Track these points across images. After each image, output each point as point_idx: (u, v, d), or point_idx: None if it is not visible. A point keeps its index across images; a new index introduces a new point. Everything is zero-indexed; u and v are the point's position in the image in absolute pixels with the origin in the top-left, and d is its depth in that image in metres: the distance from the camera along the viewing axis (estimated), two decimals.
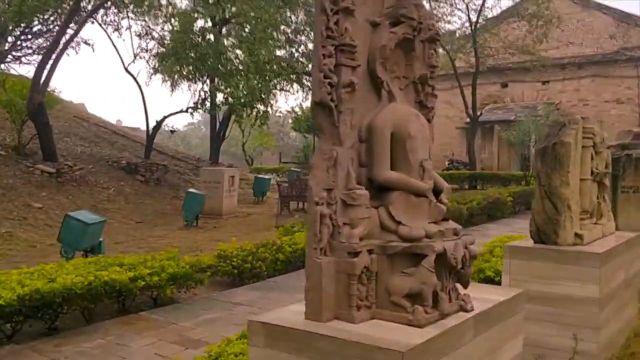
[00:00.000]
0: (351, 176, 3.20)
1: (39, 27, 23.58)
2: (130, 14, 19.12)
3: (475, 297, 3.54)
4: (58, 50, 16.38)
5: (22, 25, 22.41)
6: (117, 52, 45.81)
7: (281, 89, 25.53)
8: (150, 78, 19.17)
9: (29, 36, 24.31)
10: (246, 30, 18.31)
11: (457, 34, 26.65)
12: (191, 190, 15.50)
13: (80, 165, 18.04)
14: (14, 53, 24.60)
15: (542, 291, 5.68)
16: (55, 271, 7.11)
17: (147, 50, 18.94)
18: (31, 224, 12.90)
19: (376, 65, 3.39)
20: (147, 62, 18.89)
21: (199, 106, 18.66)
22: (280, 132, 43.84)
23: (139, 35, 18.91)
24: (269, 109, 21.24)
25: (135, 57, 19.49)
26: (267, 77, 20.04)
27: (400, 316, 3.10)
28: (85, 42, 22.62)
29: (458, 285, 3.50)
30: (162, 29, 18.61)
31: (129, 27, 19.30)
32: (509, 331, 3.80)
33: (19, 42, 24.22)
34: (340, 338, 2.82)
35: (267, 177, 20.67)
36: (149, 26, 19.02)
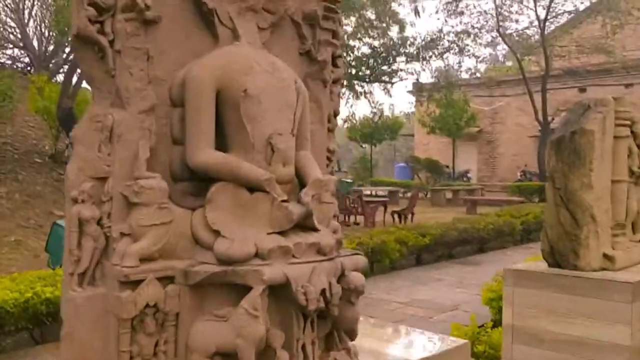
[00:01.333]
0: (141, 159, 1.99)
1: None
2: None
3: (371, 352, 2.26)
4: None
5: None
6: None
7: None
8: None
9: None
10: None
11: (526, 34, 24.65)
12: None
13: None
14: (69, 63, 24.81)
15: (555, 332, 4.21)
16: None
17: None
18: (45, 232, 12.37)
19: None
20: None
21: None
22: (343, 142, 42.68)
23: None
24: None
25: None
26: None
27: None
28: None
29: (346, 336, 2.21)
30: None
31: None
32: None
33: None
34: None
35: None
36: None
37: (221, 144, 2.12)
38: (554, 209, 4.34)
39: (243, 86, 2.08)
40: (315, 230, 2.12)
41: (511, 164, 31.85)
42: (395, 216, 15.99)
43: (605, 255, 4.28)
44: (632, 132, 4.61)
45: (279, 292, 1.94)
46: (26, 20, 23.06)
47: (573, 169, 4.24)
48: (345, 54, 22.88)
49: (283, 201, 2.04)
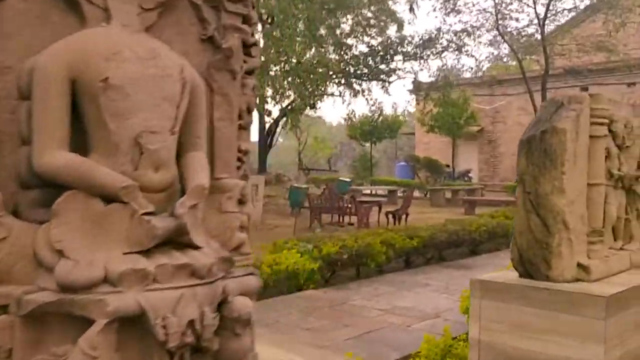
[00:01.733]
0: None
1: None
2: None
3: None
4: None
5: None
6: None
7: (331, 94, 24.04)
8: None
9: None
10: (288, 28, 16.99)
11: (527, 32, 24.17)
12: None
13: None
14: None
15: (524, 349, 3.85)
16: None
17: None
18: None
19: None
20: None
21: None
22: (339, 140, 42.21)
23: None
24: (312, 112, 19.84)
25: None
26: (314, 81, 18.59)
27: None
28: None
29: None
30: None
31: None
32: None
33: None
34: None
35: (303, 186, 19.22)
36: None
37: (82, 144, 1.78)
38: (524, 214, 3.98)
39: (103, 74, 1.73)
40: (195, 247, 1.78)
41: (512, 164, 31.40)
42: (390, 217, 15.63)
43: (579, 265, 3.92)
44: (610, 131, 4.25)
45: (139, 324, 1.60)
46: None
47: (544, 172, 3.88)
48: (342, 52, 22.56)
49: (146, 214, 1.70)
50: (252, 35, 2.35)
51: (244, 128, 2.36)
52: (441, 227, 11.34)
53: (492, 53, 27.04)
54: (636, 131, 4.47)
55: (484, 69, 30.18)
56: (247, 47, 2.33)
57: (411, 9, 20.28)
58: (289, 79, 16.72)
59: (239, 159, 2.32)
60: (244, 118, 2.34)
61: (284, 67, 16.94)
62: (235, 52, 2.21)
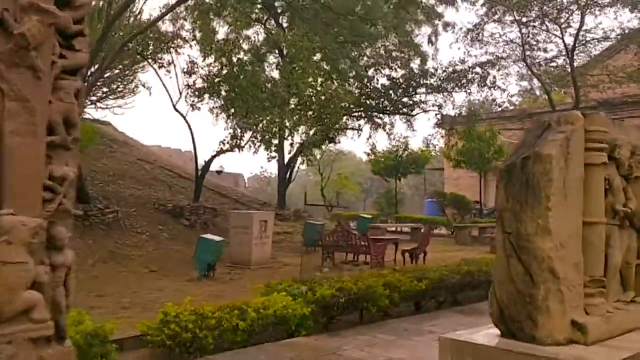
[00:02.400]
0: None
1: (111, 71, 23.50)
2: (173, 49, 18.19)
3: None
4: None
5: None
6: (167, 90, 42.02)
7: (351, 128, 23.46)
8: (188, 114, 18.10)
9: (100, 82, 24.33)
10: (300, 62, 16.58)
11: (556, 64, 23.35)
12: (203, 236, 13.70)
13: (117, 208, 16.91)
14: (89, 98, 24.70)
15: None
16: None
17: (189, 87, 17.82)
18: None
19: None
20: (186, 99, 17.79)
21: (233, 144, 17.04)
22: (368, 175, 41.54)
23: (185, 72, 17.88)
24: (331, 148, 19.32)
25: (180, 95, 18.44)
26: (330, 115, 18.07)
27: None
28: (143, 85, 22.07)
29: None
30: (208, 64, 17.44)
31: (171, 63, 18.29)
32: None
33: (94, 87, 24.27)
34: None
35: (318, 222, 18.52)
36: (193, 61, 17.89)
37: None
38: (505, 260, 3.26)
39: None
40: None
41: None
42: (407, 256, 14.80)
43: (574, 323, 3.16)
44: (613, 159, 3.52)
45: None
46: None
47: (525, 208, 3.16)
48: (362, 85, 22.06)
49: None
50: (80, 22, 1.76)
51: (63, 147, 1.75)
52: (454, 267, 10.50)
53: (523, 86, 26.29)
54: None
55: (517, 103, 29.41)
56: (68, 37, 1.73)
57: (430, 41, 19.71)
58: (302, 112, 16.23)
59: (50, 189, 1.70)
60: (60, 133, 1.73)
61: (295, 101, 16.48)
62: (34, 41, 1.61)
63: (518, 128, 31.48)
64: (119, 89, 25.56)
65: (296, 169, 25.42)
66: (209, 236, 13.54)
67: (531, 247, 3.10)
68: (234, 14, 23.02)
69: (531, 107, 30.39)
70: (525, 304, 3.13)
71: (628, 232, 3.68)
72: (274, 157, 17.06)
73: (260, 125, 15.32)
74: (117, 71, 24.34)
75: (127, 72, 24.48)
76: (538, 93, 30.04)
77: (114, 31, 16.62)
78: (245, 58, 18.29)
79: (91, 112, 26.42)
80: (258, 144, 16.61)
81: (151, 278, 13.24)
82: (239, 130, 16.39)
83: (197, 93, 17.05)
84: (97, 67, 18.00)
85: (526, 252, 3.12)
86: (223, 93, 16.80)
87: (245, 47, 22.21)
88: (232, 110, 16.71)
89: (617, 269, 3.47)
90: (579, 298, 3.22)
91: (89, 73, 19.60)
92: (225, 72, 16.29)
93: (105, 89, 25.21)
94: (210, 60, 16.63)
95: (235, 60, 16.44)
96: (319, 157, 27.08)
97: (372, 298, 8.66)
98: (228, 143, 16.96)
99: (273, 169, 49.85)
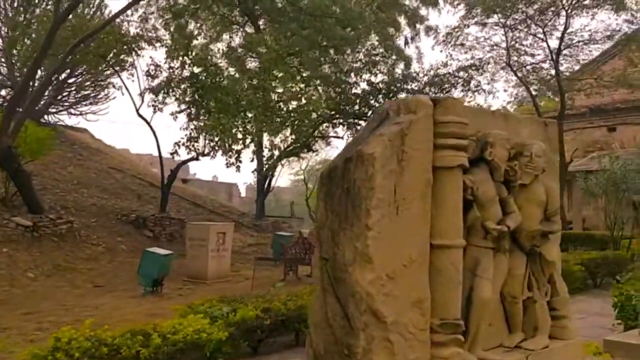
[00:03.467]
0: None
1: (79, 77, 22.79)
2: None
3: None
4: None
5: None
6: (129, 93, 38.61)
7: (331, 136, 22.64)
8: (152, 119, 17.30)
9: (73, 87, 23.60)
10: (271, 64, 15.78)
11: (542, 68, 22.45)
12: (148, 249, 12.87)
13: (72, 218, 16.11)
14: (61, 104, 23.97)
15: None
16: None
17: (151, 90, 16.97)
18: None
19: None
20: (148, 103, 16.92)
21: (182, 147, 16.18)
22: None
23: (148, 75, 17.06)
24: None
25: (142, 98, 17.60)
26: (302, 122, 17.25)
27: None
28: (114, 86, 21.31)
29: None
30: (171, 67, 16.60)
31: (132, 64, 17.54)
32: None
33: (64, 93, 23.54)
34: None
35: (288, 234, 17.62)
36: (156, 64, 17.08)
37: None
38: (322, 295, 2.43)
39: None
40: None
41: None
42: None
43: None
44: (486, 161, 2.69)
45: None
46: None
47: (344, 225, 2.33)
48: (340, 90, 21.20)
49: None
50: None
51: None
52: None
53: (511, 92, 25.43)
54: (539, 161, 2.88)
55: (510, 109, 28.54)
56: None
57: (406, 42, 18.92)
58: (267, 118, 15.40)
59: None
60: None
61: (260, 105, 15.62)
62: None
63: None
64: (92, 94, 24.85)
65: (279, 178, 24.57)
66: (154, 249, 12.71)
67: (348, 279, 2.27)
68: (212, 18, 22.35)
69: (522, 113, 29.54)
70: (343, 357, 2.29)
71: (513, 257, 2.85)
72: (234, 164, 16.16)
73: (219, 127, 14.46)
74: (89, 76, 23.63)
75: (99, 77, 23.77)
76: (528, 99, 29.19)
77: (76, 33, 15.91)
78: (220, 62, 17.51)
79: (63, 119, 25.76)
80: (217, 148, 15.74)
81: (93, 294, 12.40)
82: (195, 132, 15.56)
83: (156, 92, 16.20)
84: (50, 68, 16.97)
85: (343, 285, 2.29)
86: (182, 93, 16.02)
87: (221, 48, 21.43)
88: (191, 111, 15.93)
89: (487, 305, 2.63)
90: (422, 348, 2.37)
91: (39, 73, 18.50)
92: (186, 72, 15.59)
93: (76, 95, 24.50)
94: (177, 63, 15.86)
95: (208, 63, 15.64)
96: (303, 166, 26.29)
97: (305, 318, 7.80)
98: (184, 145, 16.15)
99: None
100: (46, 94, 21.99)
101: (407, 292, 2.33)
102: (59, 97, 23.43)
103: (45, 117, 23.30)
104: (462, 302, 2.61)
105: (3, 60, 22.00)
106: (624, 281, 7.25)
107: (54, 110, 23.93)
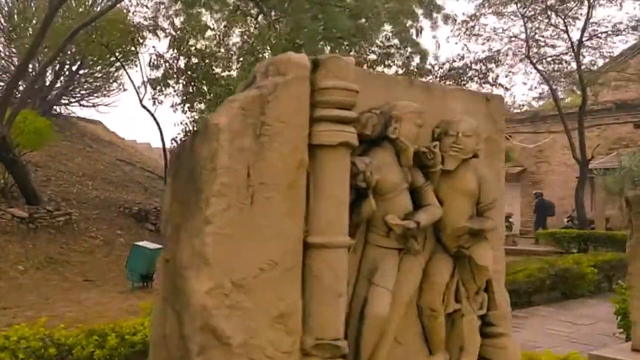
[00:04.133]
0: None
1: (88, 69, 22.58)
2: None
3: None
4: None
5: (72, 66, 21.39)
6: (133, 84, 39.03)
7: None
8: (156, 110, 16.91)
9: (82, 79, 23.42)
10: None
11: (564, 61, 21.55)
12: (137, 243, 12.49)
13: (71, 210, 15.87)
14: (72, 95, 23.81)
15: None
16: None
17: (152, 81, 16.64)
18: None
19: None
20: (151, 94, 16.64)
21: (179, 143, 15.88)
22: None
23: (151, 65, 16.73)
24: None
25: (145, 89, 17.30)
26: None
27: None
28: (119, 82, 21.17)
29: None
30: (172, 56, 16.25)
31: (136, 53, 17.23)
32: None
33: (74, 84, 23.36)
34: None
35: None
36: (159, 54, 16.75)
37: None
38: (161, 306, 1.92)
39: None
40: None
41: (558, 209, 28.44)
42: None
43: None
44: (388, 139, 2.15)
45: None
46: None
47: (187, 216, 1.82)
48: None
49: None
50: None
51: None
52: None
53: (530, 85, 24.63)
54: (467, 142, 2.32)
55: (536, 104, 27.67)
56: None
57: (418, 32, 18.26)
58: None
59: None
60: None
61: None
62: None
63: (531, 131, 29.72)
64: (105, 86, 24.66)
65: None
66: (143, 243, 12.33)
67: (184, 287, 1.76)
68: (225, 8, 21.95)
69: (544, 109, 28.65)
70: None
71: (436, 261, 2.31)
72: None
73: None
74: (99, 67, 23.40)
75: (110, 69, 23.57)
76: (562, 95, 28.26)
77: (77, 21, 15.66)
78: (220, 51, 17.04)
79: (75, 110, 25.62)
80: None
81: (82, 288, 12.10)
82: (191, 125, 15.16)
83: (154, 85, 15.88)
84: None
85: (181, 295, 1.78)
86: (180, 87, 15.67)
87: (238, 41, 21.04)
88: (188, 105, 15.55)
89: (381, 322, 2.09)
90: None
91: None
92: (182, 63, 15.27)
93: (88, 86, 24.32)
94: (177, 53, 15.49)
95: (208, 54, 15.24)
96: None
97: None
98: (181, 140, 15.79)
99: None
100: (57, 84, 21.88)
101: (264, 304, 1.80)
102: (70, 88, 23.29)
103: (57, 108, 23.19)
104: (356, 316, 2.08)
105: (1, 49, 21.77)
106: (626, 286, 6.58)
107: (65, 101, 23.80)
